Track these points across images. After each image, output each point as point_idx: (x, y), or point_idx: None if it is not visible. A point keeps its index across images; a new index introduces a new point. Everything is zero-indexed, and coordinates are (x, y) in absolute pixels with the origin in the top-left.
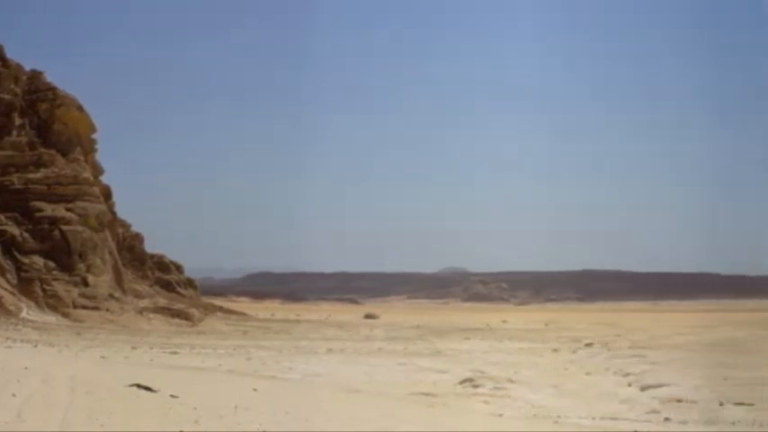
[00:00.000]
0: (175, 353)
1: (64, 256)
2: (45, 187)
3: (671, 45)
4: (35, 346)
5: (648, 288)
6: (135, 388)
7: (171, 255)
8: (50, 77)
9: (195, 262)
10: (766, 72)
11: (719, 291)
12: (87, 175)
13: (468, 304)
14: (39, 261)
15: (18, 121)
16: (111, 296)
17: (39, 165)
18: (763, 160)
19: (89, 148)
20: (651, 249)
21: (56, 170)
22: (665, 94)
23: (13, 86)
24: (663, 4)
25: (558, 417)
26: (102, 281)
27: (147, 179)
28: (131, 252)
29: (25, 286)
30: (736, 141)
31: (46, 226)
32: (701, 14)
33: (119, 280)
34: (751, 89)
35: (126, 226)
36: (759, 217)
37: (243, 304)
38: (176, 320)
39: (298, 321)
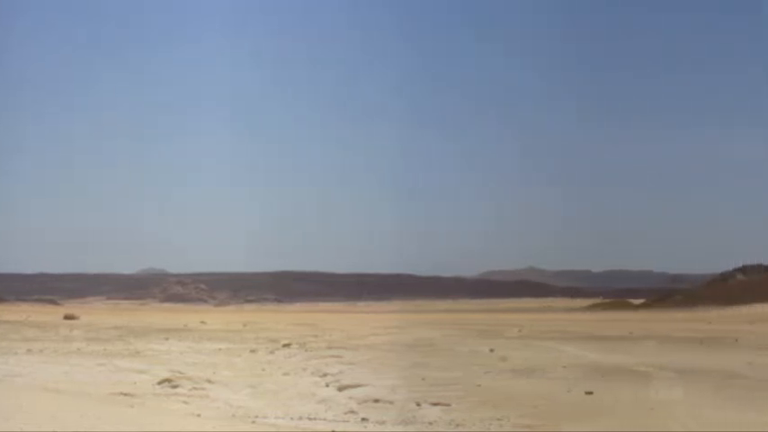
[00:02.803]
0: None
1: None
2: None
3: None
4: None
5: (346, 289)
6: None
7: None
8: None
9: None
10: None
11: (415, 291)
12: None
13: (166, 305)
14: None
15: None
16: None
17: None
18: (459, 162)
19: None
20: (348, 251)
21: None
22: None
23: None
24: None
25: (256, 417)
26: None
27: None
28: None
29: None
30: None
31: None
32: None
33: None
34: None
35: None
36: (451, 219)
37: None
38: None
39: None
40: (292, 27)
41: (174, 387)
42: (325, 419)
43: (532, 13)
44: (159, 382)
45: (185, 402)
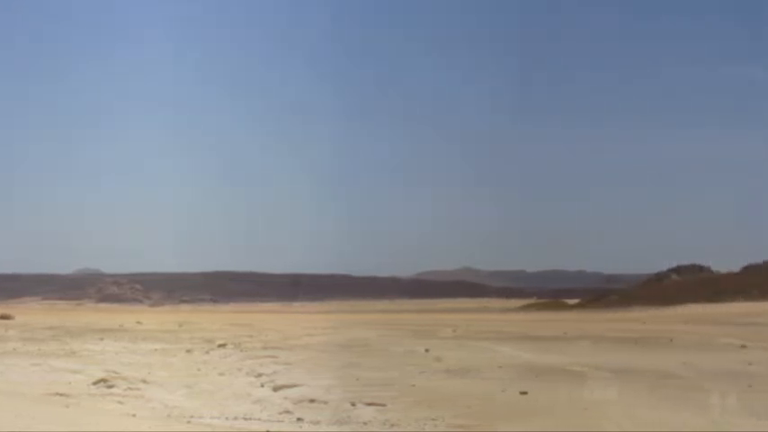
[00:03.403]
0: None
1: None
2: None
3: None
4: None
5: (281, 289)
6: None
7: None
8: None
9: None
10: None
11: (351, 291)
12: None
13: (102, 305)
14: None
15: None
16: None
17: None
18: (394, 162)
19: None
20: (283, 251)
21: None
22: (302, 96)
23: None
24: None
25: (192, 417)
26: None
27: None
28: None
29: None
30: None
31: None
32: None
33: None
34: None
35: None
36: (387, 219)
37: None
38: None
39: None
40: (229, 26)
41: (110, 387)
42: (260, 419)
43: (462, 12)
44: (95, 383)
45: (121, 402)
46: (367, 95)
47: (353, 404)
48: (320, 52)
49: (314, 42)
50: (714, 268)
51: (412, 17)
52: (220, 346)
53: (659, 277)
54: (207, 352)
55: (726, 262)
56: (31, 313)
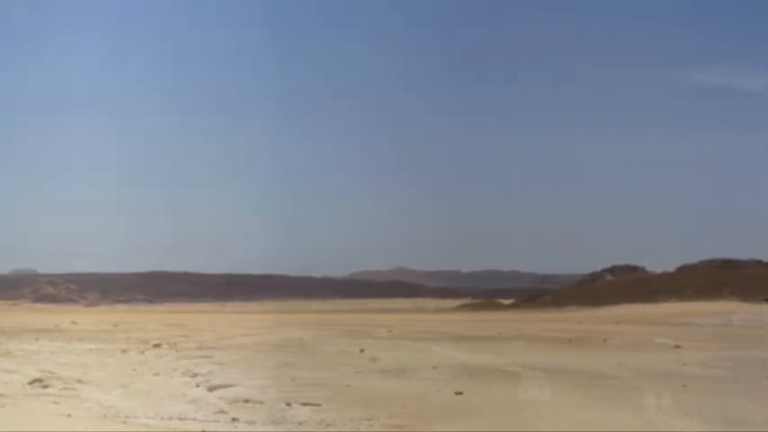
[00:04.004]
0: None
1: None
2: None
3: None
4: None
5: (216, 289)
6: None
7: None
8: None
9: None
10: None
11: (286, 292)
12: None
13: (38, 305)
14: None
15: None
16: None
17: None
18: (328, 162)
19: None
20: (218, 251)
21: None
22: (238, 97)
23: None
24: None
25: (128, 417)
26: None
27: None
28: None
29: None
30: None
31: None
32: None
33: None
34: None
35: None
36: (321, 219)
37: None
38: None
39: None
40: (170, 25)
41: (45, 387)
42: (195, 419)
43: (402, 11)
44: (30, 382)
45: (56, 402)
46: (299, 95)
47: (289, 404)
48: (250, 51)
49: (244, 40)
50: (649, 268)
51: (347, 15)
52: (156, 346)
53: (594, 277)
54: (142, 352)
55: (660, 262)
56: None
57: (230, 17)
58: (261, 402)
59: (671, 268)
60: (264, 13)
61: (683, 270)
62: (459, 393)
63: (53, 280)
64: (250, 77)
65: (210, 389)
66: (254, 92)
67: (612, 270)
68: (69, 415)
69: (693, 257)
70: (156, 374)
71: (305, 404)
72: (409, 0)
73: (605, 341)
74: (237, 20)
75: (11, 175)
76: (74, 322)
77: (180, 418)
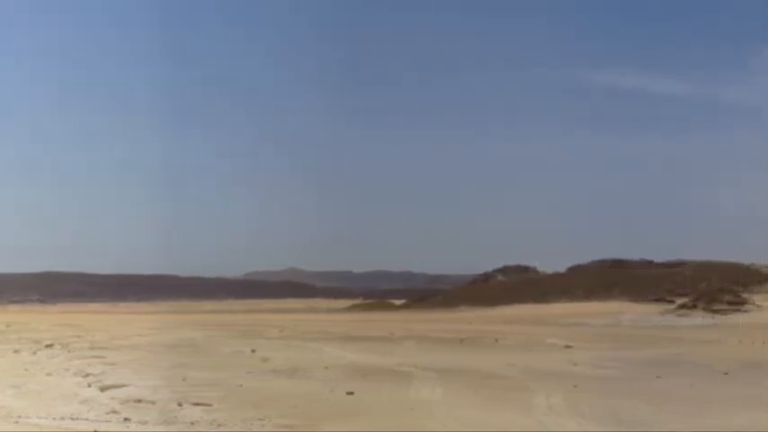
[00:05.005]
0: None
1: None
2: None
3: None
4: None
5: (109, 289)
6: None
7: None
8: None
9: None
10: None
11: (179, 292)
12: None
13: None
14: None
15: None
16: None
17: None
18: (220, 162)
19: None
20: (111, 251)
21: None
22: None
23: None
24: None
25: (19, 417)
26: None
27: None
28: None
29: None
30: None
31: None
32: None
33: None
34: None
35: None
36: (214, 219)
37: None
38: None
39: None
40: (56, 24)
41: None
42: (87, 419)
43: (295, 12)
44: None
45: None
46: (191, 97)
47: (180, 404)
48: (145, 52)
49: (139, 41)
50: (540, 269)
51: (243, 16)
52: (48, 346)
53: (485, 278)
54: (34, 352)
55: (551, 263)
56: None
57: (119, 17)
58: (153, 402)
59: (562, 269)
60: (159, 14)
61: (574, 270)
62: (351, 393)
63: None
64: (141, 79)
65: (103, 389)
66: (144, 93)
67: (504, 270)
68: None
69: (584, 258)
70: (49, 374)
71: (196, 404)
72: (309, 3)
73: (496, 341)
74: (129, 21)
75: None
76: None
77: (72, 418)
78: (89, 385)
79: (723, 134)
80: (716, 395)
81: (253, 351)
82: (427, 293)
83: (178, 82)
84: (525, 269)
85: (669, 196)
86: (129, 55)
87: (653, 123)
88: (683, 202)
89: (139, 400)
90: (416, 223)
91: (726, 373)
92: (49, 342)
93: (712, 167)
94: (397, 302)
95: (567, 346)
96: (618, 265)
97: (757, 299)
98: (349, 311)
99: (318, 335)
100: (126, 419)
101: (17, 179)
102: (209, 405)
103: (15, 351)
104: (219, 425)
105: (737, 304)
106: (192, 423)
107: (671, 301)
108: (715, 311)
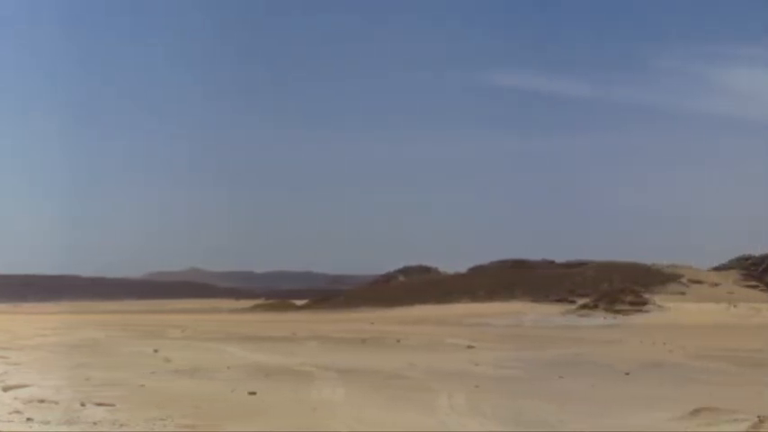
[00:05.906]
0: None
1: None
2: None
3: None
4: None
5: (10, 289)
6: None
7: None
8: None
9: None
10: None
11: (82, 292)
12: None
13: None
14: None
15: None
16: None
17: None
18: (121, 161)
19: None
20: (12, 251)
21: None
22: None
23: None
24: None
25: None
26: None
27: None
28: None
29: None
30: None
31: None
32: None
33: None
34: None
35: None
36: (115, 219)
37: None
38: None
39: None
40: None
41: None
42: None
43: (198, 9)
44: None
45: None
46: (96, 95)
47: (83, 404)
48: (50, 49)
49: (43, 37)
50: (441, 269)
51: (144, 13)
52: None
53: (387, 278)
54: None
55: (453, 263)
56: None
57: (23, 16)
58: (56, 402)
59: (463, 269)
60: (65, 11)
61: (476, 271)
62: (253, 393)
63: None
64: (45, 78)
65: (5, 389)
66: (43, 93)
67: (405, 271)
68: None
69: (485, 258)
70: None
71: (99, 404)
72: (207, 5)
73: (399, 341)
74: (32, 19)
75: None
76: None
77: None
78: None
79: (622, 135)
80: (617, 395)
81: (155, 351)
82: (329, 294)
83: (76, 81)
84: (427, 270)
85: (570, 196)
86: (28, 56)
87: (553, 124)
88: (584, 203)
89: (42, 401)
90: (317, 224)
91: (627, 373)
92: None
93: (612, 168)
94: (299, 303)
95: (470, 347)
96: (519, 265)
97: (658, 299)
98: (251, 311)
99: (221, 335)
100: (29, 419)
101: None
102: (112, 405)
103: None
104: (122, 425)
105: (639, 304)
106: (95, 423)
107: (572, 302)
108: (616, 312)
